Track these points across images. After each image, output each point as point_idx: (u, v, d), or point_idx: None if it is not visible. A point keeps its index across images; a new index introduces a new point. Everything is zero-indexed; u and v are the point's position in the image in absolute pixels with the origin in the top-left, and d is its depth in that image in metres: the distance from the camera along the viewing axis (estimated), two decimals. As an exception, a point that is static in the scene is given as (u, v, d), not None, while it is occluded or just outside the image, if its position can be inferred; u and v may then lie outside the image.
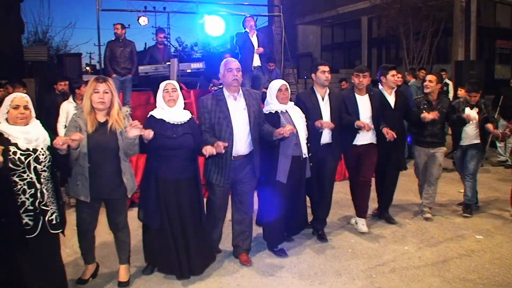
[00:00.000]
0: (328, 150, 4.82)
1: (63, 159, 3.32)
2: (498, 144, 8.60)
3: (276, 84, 4.51)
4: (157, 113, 3.91)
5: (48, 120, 5.54)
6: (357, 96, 5.08)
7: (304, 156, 4.47)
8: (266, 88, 7.28)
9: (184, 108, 4.03)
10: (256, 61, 7.94)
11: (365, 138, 5.05)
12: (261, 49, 7.86)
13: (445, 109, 5.44)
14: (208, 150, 3.75)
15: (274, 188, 4.40)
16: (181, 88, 4.12)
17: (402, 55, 15.43)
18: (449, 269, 4.23)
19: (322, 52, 22.63)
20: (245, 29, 7.95)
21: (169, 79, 6.99)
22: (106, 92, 3.55)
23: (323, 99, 4.80)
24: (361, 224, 5.21)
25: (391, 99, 5.30)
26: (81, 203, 3.65)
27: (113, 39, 8.47)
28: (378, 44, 19.21)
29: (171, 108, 3.89)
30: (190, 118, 3.97)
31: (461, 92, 7.94)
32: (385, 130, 4.93)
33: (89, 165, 3.52)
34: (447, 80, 10.85)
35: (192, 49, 37.55)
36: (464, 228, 5.30)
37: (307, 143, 4.50)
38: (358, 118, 4.95)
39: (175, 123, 3.87)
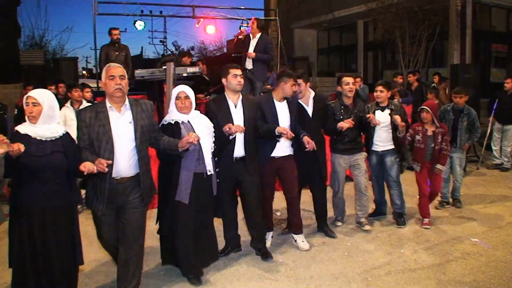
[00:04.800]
0: (242, 165, 4.39)
1: None
2: (493, 147, 8.64)
3: (175, 91, 3.96)
4: (22, 127, 3.21)
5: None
6: (276, 102, 4.69)
7: (208, 173, 3.98)
8: (264, 93, 7.32)
9: None
10: (248, 64, 7.89)
11: (283, 149, 4.68)
12: (252, 54, 7.76)
13: (361, 113, 5.25)
14: (87, 166, 3.13)
15: (175, 210, 3.93)
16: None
17: (398, 58, 15.47)
18: (445, 272, 4.24)
19: (319, 56, 22.68)
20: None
21: (164, 82, 7.00)
22: None
23: (235, 106, 4.39)
24: (301, 241, 4.84)
25: (309, 108, 5.01)
26: None
27: (108, 43, 8.48)
28: (374, 47, 19.20)
29: (35, 124, 3.21)
30: (63, 134, 3.31)
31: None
32: (305, 139, 4.54)
33: None
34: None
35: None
36: (460, 231, 5.31)
37: (214, 158, 4.09)
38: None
39: (43, 139, 3.18)
